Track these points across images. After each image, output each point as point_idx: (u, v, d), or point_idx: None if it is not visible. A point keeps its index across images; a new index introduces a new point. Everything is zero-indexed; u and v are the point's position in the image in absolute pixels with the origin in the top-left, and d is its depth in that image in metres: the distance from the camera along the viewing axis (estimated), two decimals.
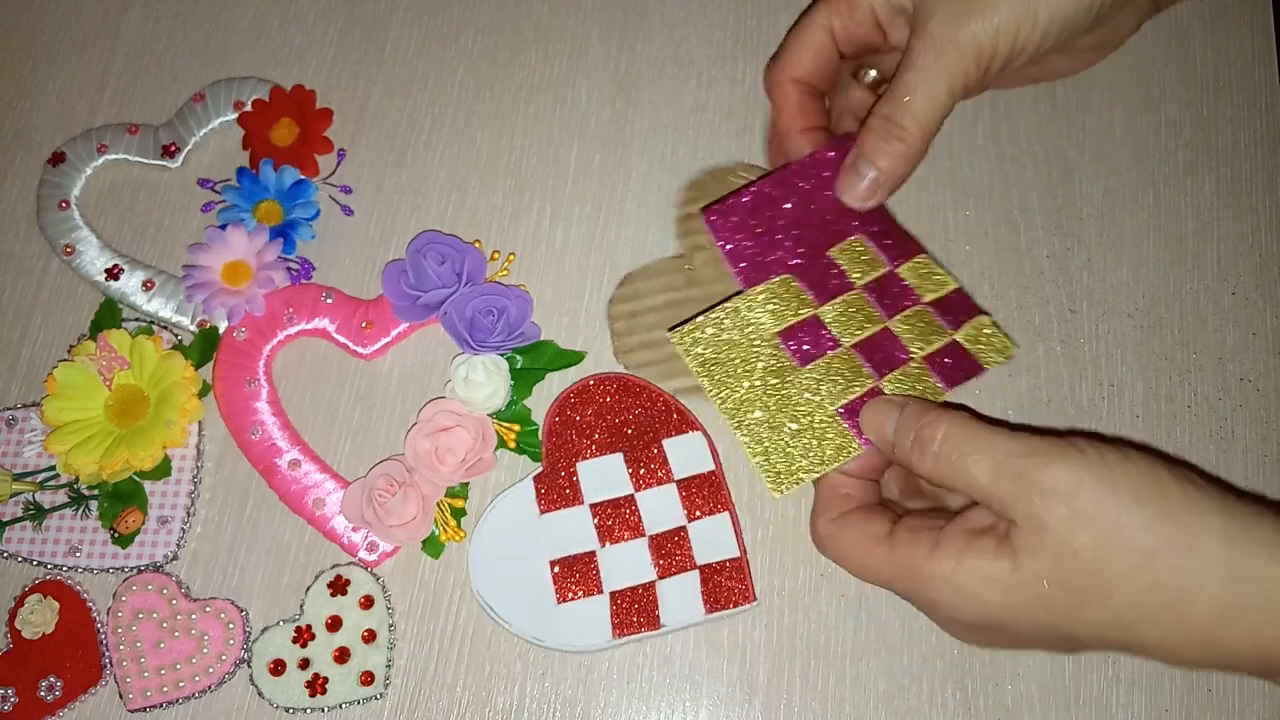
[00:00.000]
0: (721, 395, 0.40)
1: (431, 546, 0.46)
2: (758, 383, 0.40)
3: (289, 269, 0.51)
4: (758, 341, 0.41)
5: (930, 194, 0.51)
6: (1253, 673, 0.33)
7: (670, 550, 0.45)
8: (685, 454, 0.46)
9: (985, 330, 0.42)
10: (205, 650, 0.45)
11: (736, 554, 0.45)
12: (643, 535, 0.45)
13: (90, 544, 0.47)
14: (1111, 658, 0.44)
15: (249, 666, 0.45)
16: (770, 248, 0.43)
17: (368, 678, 0.45)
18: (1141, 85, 0.53)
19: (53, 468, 0.48)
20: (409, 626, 0.46)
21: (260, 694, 0.45)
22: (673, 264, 0.50)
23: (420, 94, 0.55)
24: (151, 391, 0.48)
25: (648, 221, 0.52)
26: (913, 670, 0.44)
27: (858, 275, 0.43)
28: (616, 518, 0.46)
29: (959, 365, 0.41)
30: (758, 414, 0.40)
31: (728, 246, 0.43)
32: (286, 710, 0.45)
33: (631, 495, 0.46)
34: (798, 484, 0.39)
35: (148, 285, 0.51)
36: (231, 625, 0.46)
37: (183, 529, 0.47)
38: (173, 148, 0.53)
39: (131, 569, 0.47)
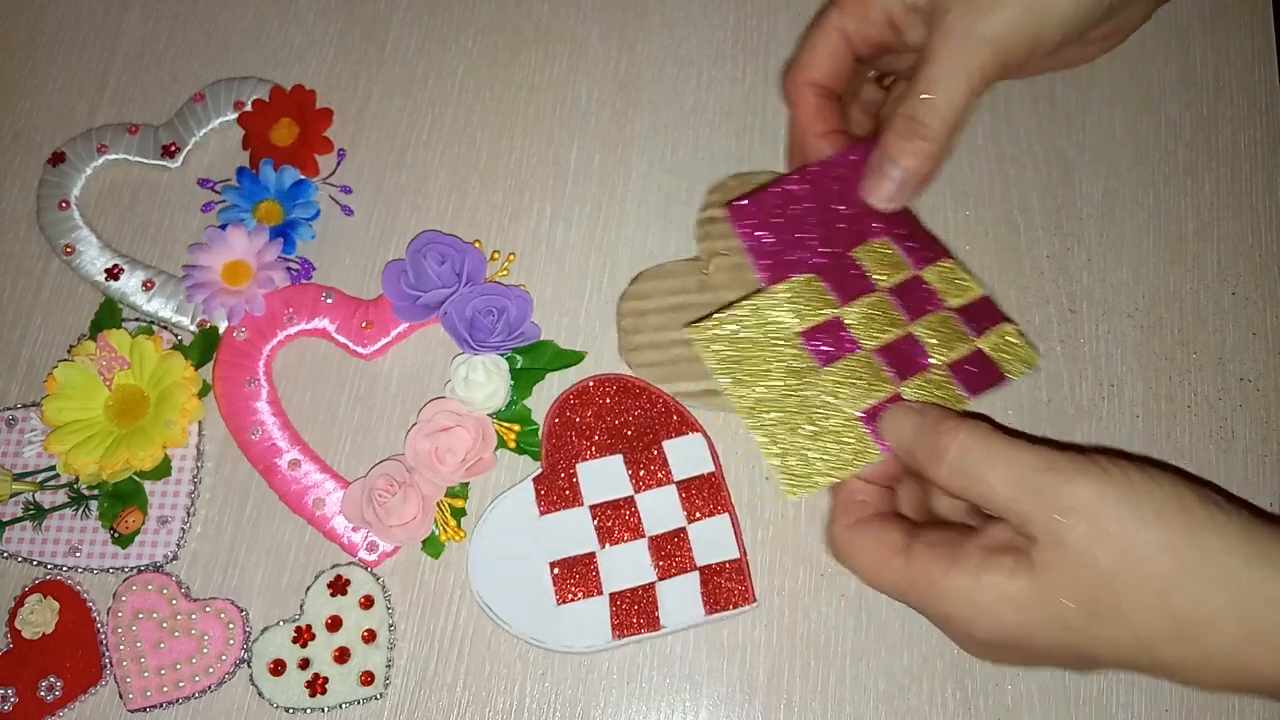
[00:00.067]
0: (740, 394, 0.39)
1: (431, 546, 0.47)
2: (777, 383, 0.39)
3: (289, 269, 0.51)
4: (778, 341, 0.40)
5: (930, 194, 0.51)
6: (1277, 697, 0.33)
7: (670, 551, 0.45)
8: (685, 455, 0.46)
9: (1009, 338, 0.42)
10: (205, 650, 0.45)
11: (736, 555, 0.45)
12: (642, 536, 0.45)
13: (90, 544, 0.47)
14: None
15: (249, 666, 0.45)
16: (793, 246, 0.42)
17: (368, 678, 0.45)
18: (1141, 85, 0.53)
19: (53, 468, 0.48)
20: (409, 626, 0.46)
21: (260, 694, 0.45)
22: (688, 266, 0.50)
23: (420, 94, 0.55)
24: (151, 391, 0.48)
25: (648, 221, 0.52)
26: (913, 670, 0.44)
27: (881, 277, 0.42)
28: (616, 519, 0.46)
29: (982, 373, 0.41)
30: (776, 415, 0.39)
31: (751, 243, 0.42)
32: (286, 710, 0.45)
33: (631, 496, 0.46)
34: (814, 488, 0.38)
35: (148, 285, 0.51)
36: (231, 625, 0.46)
37: (183, 529, 0.47)
38: (173, 148, 0.53)
39: (131, 569, 0.47)
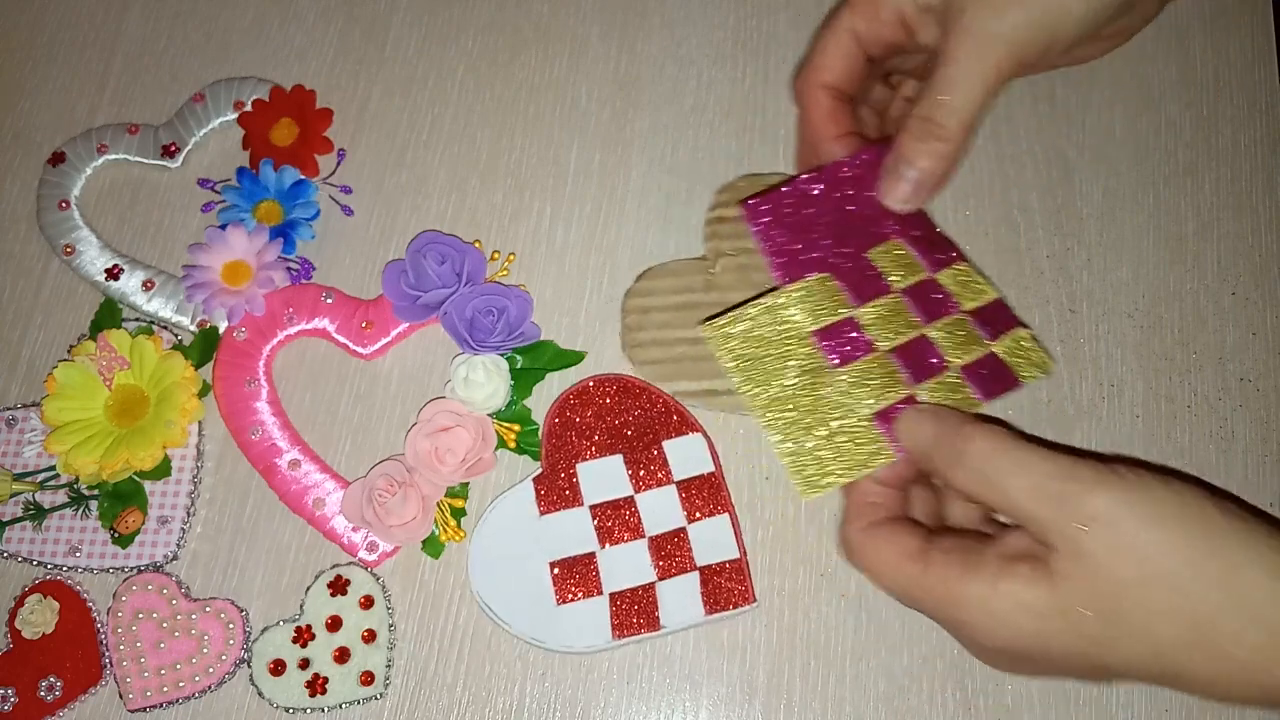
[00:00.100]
0: (754, 393, 0.39)
1: (431, 546, 0.47)
2: (791, 381, 0.39)
3: (289, 269, 0.51)
4: (792, 340, 0.40)
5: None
6: None
7: (670, 551, 0.45)
8: (685, 455, 0.46)
9: (1024, 343, 0.41)
10: (205, 650, 0.45)
11: (736, 555, 0.45)
12: (642, 536, 0.45)
13: (90, 544, 0.47)
14: None
15: (249, 666, 0.45)
16: (808, 245, 0.42)
17: (368, 678, 0.45)
18: (1141, 85, 0.53)
19: (53, 468, 0.48)
20: (409, 626, 0.46)
21: (260, 694, 0.45)
22: (694, 265, 0.50)
23: (420, 94, 0.55)
24: (151, 391, 0.48)
25: (648, 221, 0.52)
26: (913, 670, 0.44)
27: (896, 279, 0.42)
28: (616, 519, 0.46)
29: (996, 378, 0.40)
30: (790, 414, 0.39)
31: (765, 241, 0.42)
32: (286, 710, 0.45)
33: (631, 496, 0.46)
34: (828, 488, 0.38)
35: (148, 285, 0.51)
36: (231, 625, 0.46)
37: (183, 529, 0.47)
38: (173, 148, 0.53)
39: (131, 569, 0.47)
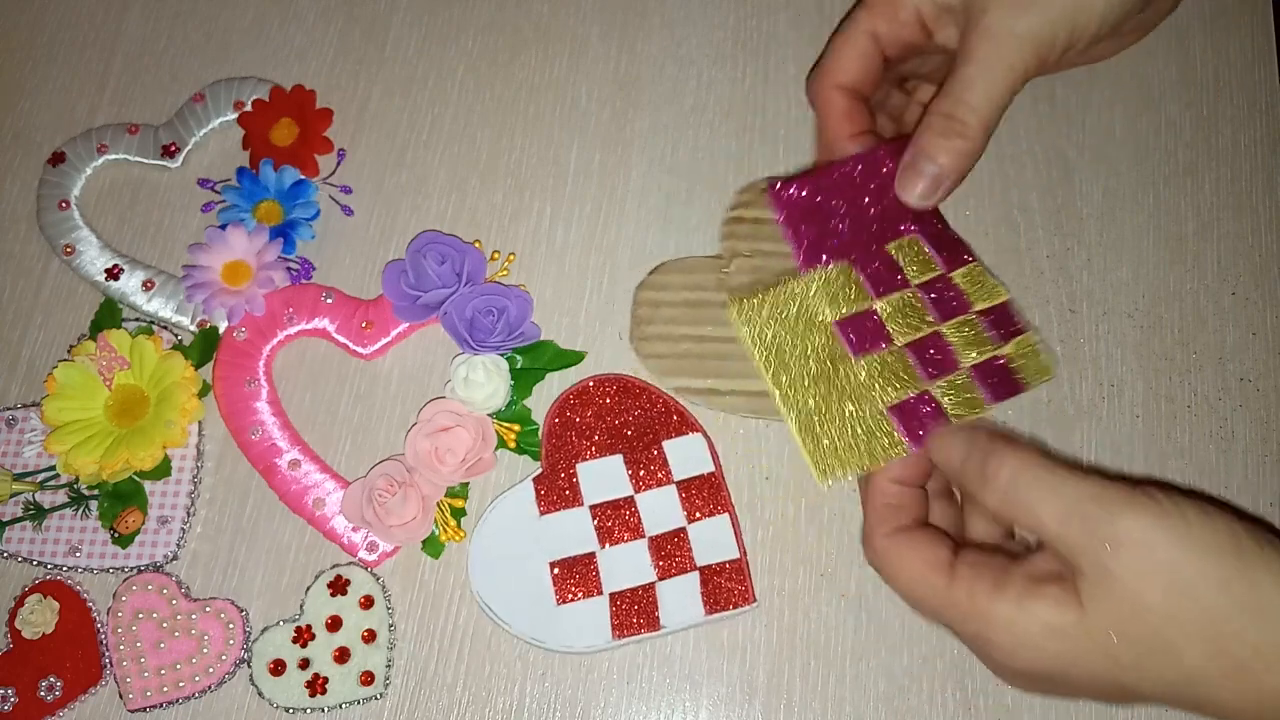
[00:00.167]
0: (775, 376, 0.39)
1: (431, 546, 0.46)
2: (812, 368, 0.39)
3: (289, 269, 0.51)
4: (813, 327, 0.40)
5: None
6: None
7: (670, 551, 0.45)
8: (685, 455, 0.46)
9: (1028, 349, 0.42)
10: (205, 650, 0.45)
11: (736, 555, 0.45)
12: (642, 536, 0.45)
13: (90, 544, 0.47)
14: None
15: (249, 666, 0.45)
16: (830, 234, 0.42)
17: (368, 678, 0.45)
18: (1141, 85, 0.53)
19: (53, 468, 0.48)
20: (409, 626, 0.46)
21: (260, 694, 0.45)
22: (708, 264, 0.50)
23: (420, 94, 0.55)
24: (151, 391, 0.48)
25: (648, 221, 0.52)
26: (913, 670, 0.44)
27: (913, 274, 0.42)
28: (616, 519, 0.46)
29: (1003, 381, 0.41)
30: (809, 401, 0.39)
31: (788, 225, 0.42)
32: (286, 710, 0.45)
33: (631, 496, 0.46)
34: (843, 476, 0.38)
35: (148, 285, 0.51)
36: (231, 625, 0.46)
37: (183, 529, 0.47)
38: (173, 148, 0.53)
39: (131, 569, 0.47)
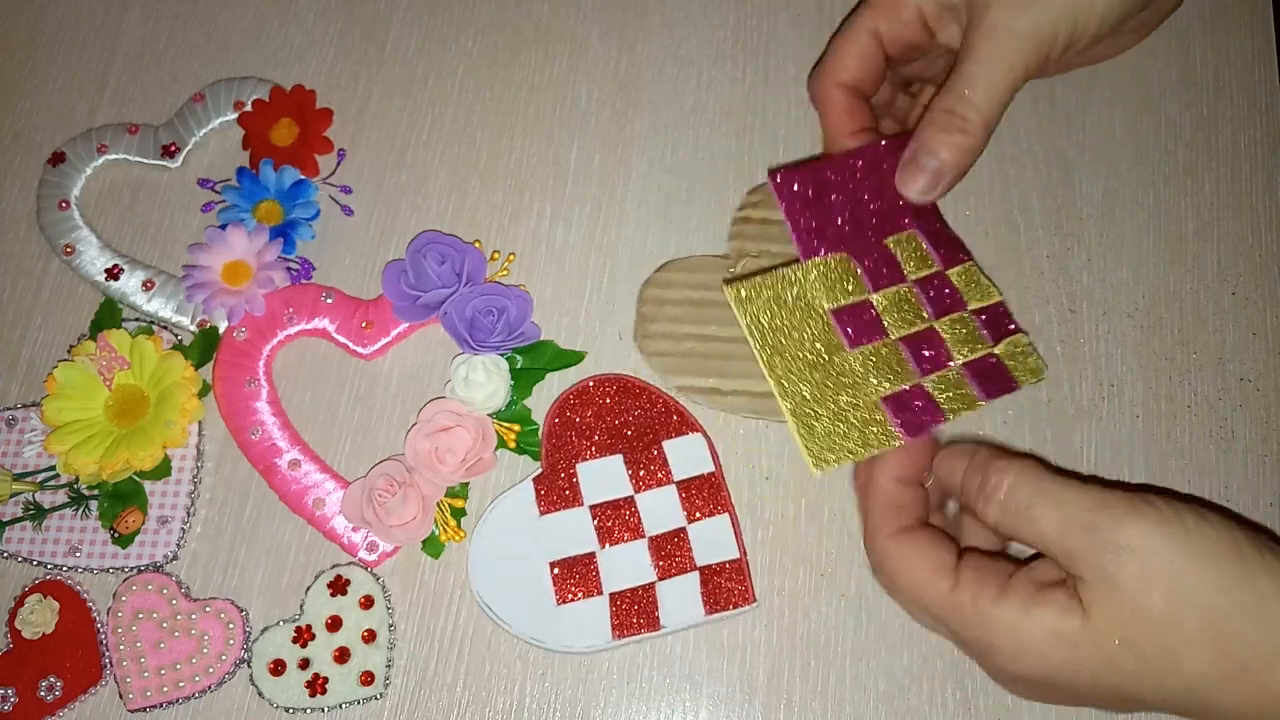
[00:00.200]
0: (770, 361, 0.39)
1: (431, 546, 0.46)
2: (807, 355, 0.39)
3: (289, 269, 0.51)
4: (810, 315, 0.40)
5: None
6: None
7: (670, 551, 0.45)
8: (685, 455, 0.46)
9: (1020, 349, 0.42)
10: (205, 650, 0.45)
11: (736, 555, 0.45)
12: (642, 536, 0.45)
13: (90, 544, 0.47)
14: None
15: (249, 666, 0.45)
16: (830, 225, 0.42)
17: (368, 678, 0.45)
18: (1141, 85, 0.53)
19: (53, 468, 0.48)
20: (409, 626, 0.46)
21: (260, 694, 0.45)
22: (715, 263, 0.50)
23: (420, 94, 0.55)
24: (151, 391, 0.48)
25: (648, 221, 0.52)
26: (913, 670, 0.44)
27: (910, 269, 0.42)
28: (616, 519, 0.46)
29: (996, 379, 0.41)
30: (803, 388, 0.39)
31: (790, 214, 0.42)
32: (286, 710, 0.45)
33: (631, 496, 0.46)
34: (836, 464, 0.38)
35: (148, 285, 0.51)
36: (231, 625, 0.46)
37: (183, 529, 0.47)
38: (173, 148, 0.53)
39: (131, 569, 0.47)
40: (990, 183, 0.51)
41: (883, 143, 0.43)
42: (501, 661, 0.45)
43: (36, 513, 0.48)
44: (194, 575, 0.47)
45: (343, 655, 0.45)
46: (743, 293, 0.40)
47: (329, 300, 0.50)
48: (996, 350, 0.42)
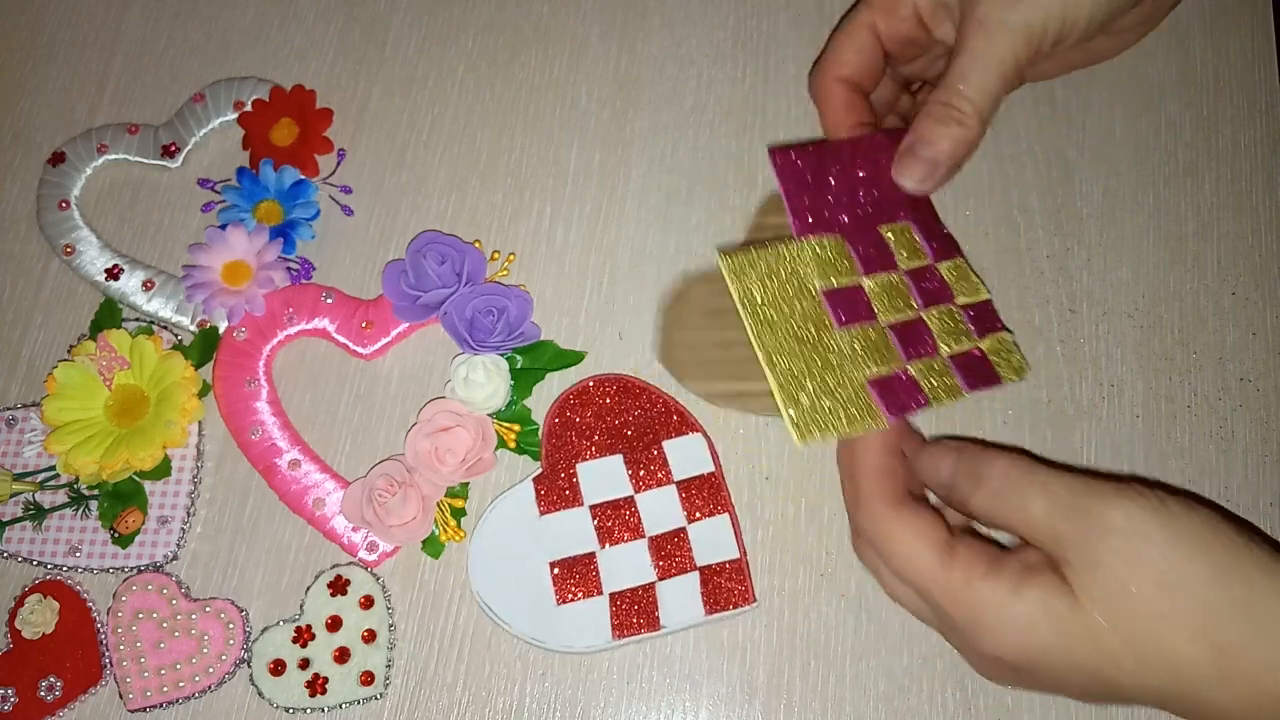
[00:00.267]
0: (759, 332, 0.39)
1: (431, 546, 0.46)
2: (797, 331, 0.40)
3: (289, 269, 0.51)
4: (803, 293, 0.40)
5: (932, 194, 0.51)
6: None
7: (670, 551, 0.45)
8: (685, 455, 0.46)
9: (1006, 345, 0.43)
10: (205, 650, 0.45)
11: (736, 555, 0.45)
12: (642, 536, 0.45)
13: (90, 544, 0.47)
14: None
15: (249, 666, 0.45)
16: (826, 207, 0.42)
17: (368, 678, 0.45)
18: (1141, 85, 0.53)
19: (53, 468, 0.48)
20: (409, 626, 0.46)
21: (260, 694, 0.45)
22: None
23: (420, 94, 0.55)
24: (151, 391, 0.48)
25: (648, 221, 0.52)
26: (913, 670, 0.44)
27: (903, 259, 0.43)
28: (616, 519, 0.46)
29: (980, 372, 0.42)
30: (790, 361, 0.39)
31: (787, 194, 0.42)
32: (286, 710, 0.45)
33: (631, 496, 0.46)
34: (820, 437, 0.38)
35: (148, 285, 0.51)
36: (231, 625, 0.46)
37: (183, 529, 0.47)
38: (173, 148, 0.53)
39: (131, 569, 0.47)
40: (990, 183, 0.51)
41: (880, 137, 0.44)
42: (501, 661, 0.45)
43: (36, 513, 0.48)
44: (194, 575, 0.47)
45: (343, 655, 0.45)
46: (736, 264, 0.40)
47: (329, 300, 0.50)
48: (982, 345, 0.42)
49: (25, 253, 0.53)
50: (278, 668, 0.45)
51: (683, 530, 0.45)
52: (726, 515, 0.46)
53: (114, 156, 0.53)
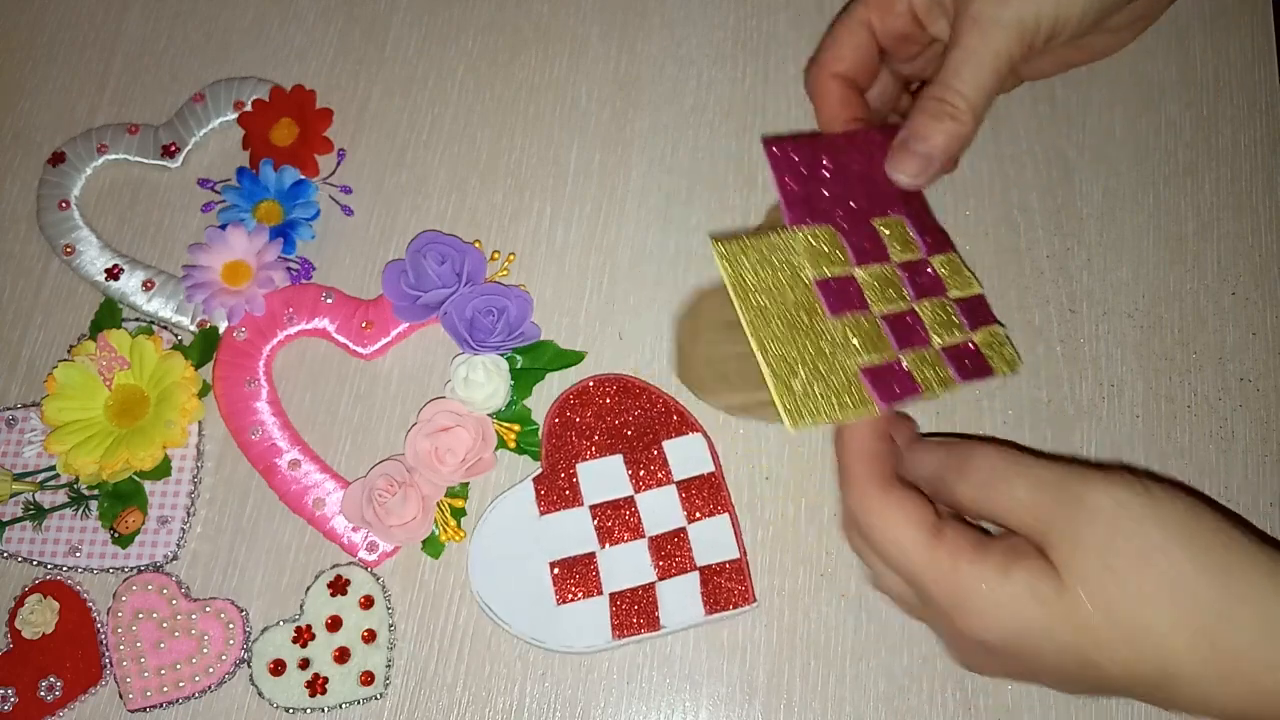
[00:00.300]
0: (752, 319, 0.39)
1: (431, 546, 0.46)
2: (789, 317, 0.40)
3: (289, 269, 0.51)
4: (795, 282, 0.40)
5: (930, 194, 0.51)
6: None
7: (670, 551, 0.45)
8: (685, 455, 0.46)
9: (998, 338, 0.43)
10: (205, 650, 0.45)
11: (736, 555, 0.45)
12: (642, 536, 0.45)
13: (90, 544, 0.47)
14: None
15: (249, 666, 0.45)
16: (820, 198, 0.42)
17: (368, 678, 0.45)
18: (1141, 85, 0.53)
19: (53, 468, 0.48)
20: (409, 626, 0.46)
21: (260, 694, 0.45)
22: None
23: (420, 94, 0.55)
24: (151, 391, 0.48)
25: (648, 221, 0.52)
26: (913, 670, 0.44)
27: (895, 250, 0.43)
28: (616, 519, 0.46)
29: (972, 363, 0.42)
30: (783, 348, 0.39)
31: (781, 184, 0.42)
32: (286, 710, 0.45)
33: (631, 496, 0.46)
34: (812, 423, 0.37)
35: (148, 285, 0.51)
36: (231, 625, 0.46)
37: (183, 529, 0.47)
38: (173, 148, 0.53)
39: (131, 569, 0.47)
40: (990, 183, 0.51)
41: (875, 131, 0.44)
42: (501, 661, 0.45)
43: (36, 513, 0.48)
44: (194, 575, 0.47)
45: (343, 655, 0.45)
46: (729, 250, 0.40)
47: (329, 300, 0.50)
48: (974, 338, 0.42)
49: (25, 253, 0.53)
50: (278, 668, 0.45)
51: (683, 530, 0.45)
52: (726, 515, 0.46)
53: (114, 156, 0.53)
